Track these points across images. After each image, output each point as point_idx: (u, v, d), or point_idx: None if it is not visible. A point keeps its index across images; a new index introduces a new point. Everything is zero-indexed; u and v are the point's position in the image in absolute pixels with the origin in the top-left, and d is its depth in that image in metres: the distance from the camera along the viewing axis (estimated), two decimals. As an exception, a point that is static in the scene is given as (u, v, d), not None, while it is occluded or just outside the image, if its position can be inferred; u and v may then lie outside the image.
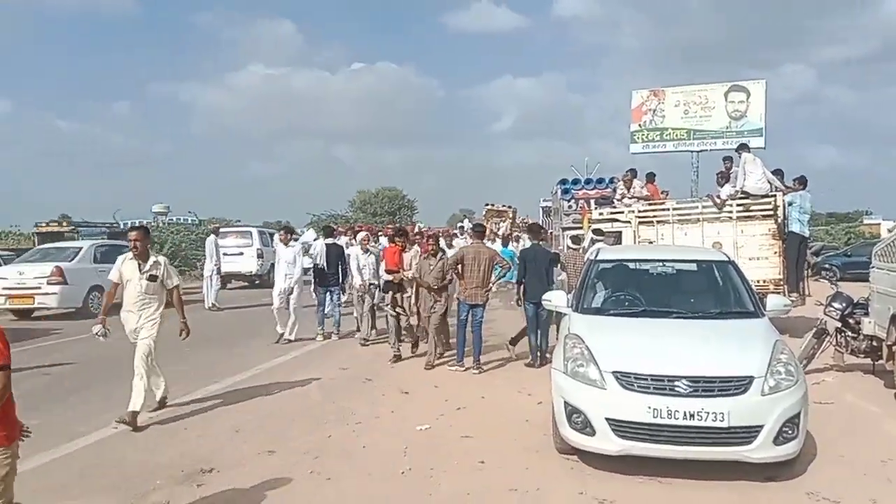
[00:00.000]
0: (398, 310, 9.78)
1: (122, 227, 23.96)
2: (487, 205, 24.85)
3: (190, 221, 35.09)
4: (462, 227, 22.84)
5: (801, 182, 11.58)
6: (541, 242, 10.04)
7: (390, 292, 9.89)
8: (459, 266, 9.02)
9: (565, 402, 5.22)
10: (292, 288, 11.27)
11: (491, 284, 9.07)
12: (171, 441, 5.98)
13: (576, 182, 18.61)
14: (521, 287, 9.27)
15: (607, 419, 4.96)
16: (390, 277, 9.89)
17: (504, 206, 25.22)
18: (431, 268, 9.17)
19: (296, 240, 12.59)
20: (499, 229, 22.79)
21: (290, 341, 11.03)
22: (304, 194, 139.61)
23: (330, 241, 12.02)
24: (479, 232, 9.77)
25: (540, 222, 24.03)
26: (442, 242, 12.24)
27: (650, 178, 14.01)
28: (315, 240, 13.69)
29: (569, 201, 17.92)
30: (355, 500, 4.72)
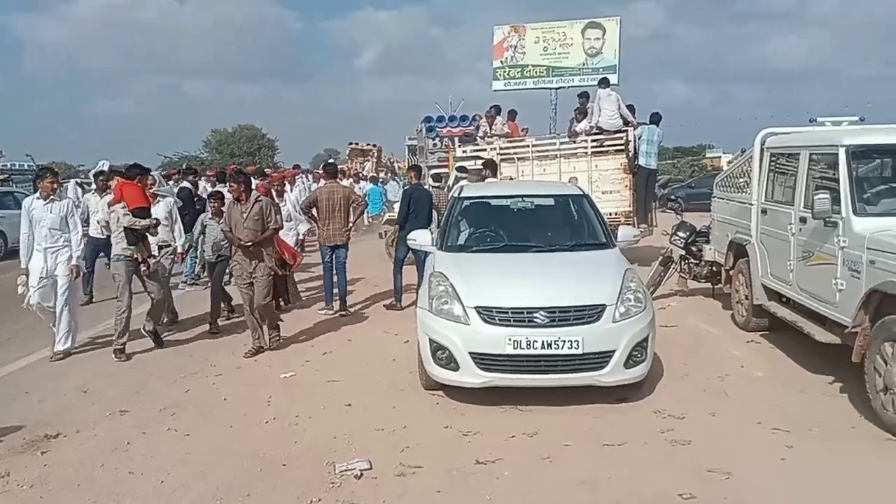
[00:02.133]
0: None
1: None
2: (351, 143, 24.44)
3: (27, 167, 32.05)
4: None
5: (656, 118, 12.16)
6: (421, 182, 9.94)
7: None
8: (314, 209, 8.80)
9: (430, 340, 5.28)
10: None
11: (351, 224, 8.93)
12: (10, 406, 5.52)
13: (440, 119, 18.60)
14: (401, 230, 9.05)
15: (471, 353, 5.06)
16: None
17: (369, 144, 24.89)
18: (244, 216, 6.93)
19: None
20: (363, 168, 22.51)
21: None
22: (153, 134, 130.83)
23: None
24: (330, 172, 9.44)
25: (406, 161, 23.99)
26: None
27: (511, 115, 14.22)
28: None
29: (434, 139, 17.91)
30: (216, 453, 4.55)
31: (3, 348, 7.35)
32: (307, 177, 18.01)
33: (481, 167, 11.51)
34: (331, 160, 29.09)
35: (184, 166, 16.32)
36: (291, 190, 13.72)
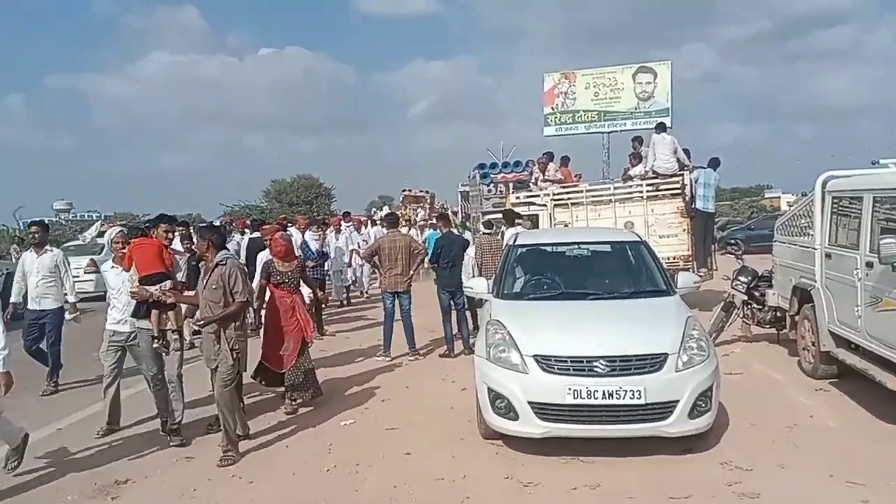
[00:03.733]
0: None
1: (22, 226, 22.61)
2: (405, 190, 24.78)
3: (94, 218, 33.53)
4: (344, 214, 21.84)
5: (714, 163, 12.09)
6: (452, 230, 10.15)
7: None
8: (377, 257, 8.99)
9: (488, 388, 5.26)
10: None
11: (412, 272, 9.06)
12: (83, 451, 5.71)
13: (493, 166, 18.78)
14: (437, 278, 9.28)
15: (529, 402, 5.03)
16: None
17: (422, 191, 25.22)
18: (204, 282, 5.55)
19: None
20: (416, 215, 22.78)
21: None
22: (216, 185, 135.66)
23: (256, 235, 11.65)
24: (391, 221, 9.80)
25: (459, 207, 24.19)
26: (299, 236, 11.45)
27: (564, 161, 14.29)
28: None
29: (488, 185, 18.06)
30: (279, 500, 4.62)
31: (78, 395, 7.58)
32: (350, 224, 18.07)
33: (535, 214, 11.60)
34: (385, 207, 29.54)
35: (250, 218, 16.68)
36: (337, 238, 14.05)
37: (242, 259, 11.37)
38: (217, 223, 13.63)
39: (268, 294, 6.98)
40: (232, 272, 5.44)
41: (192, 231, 9.12)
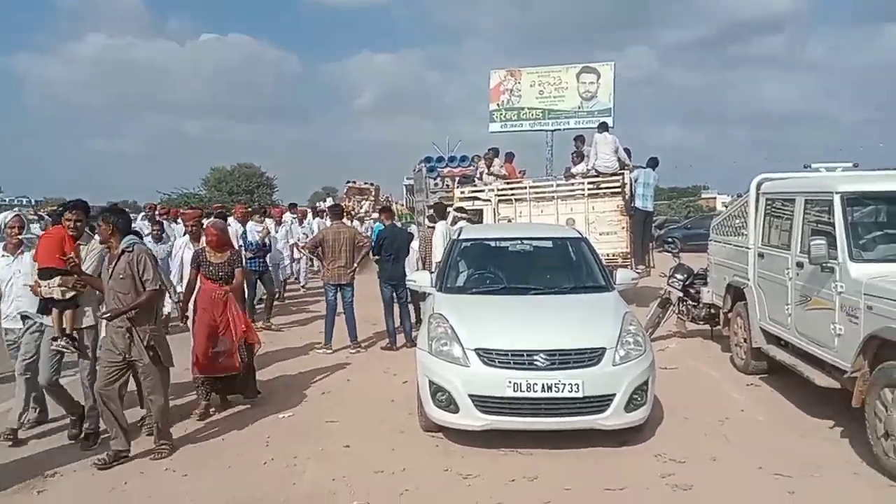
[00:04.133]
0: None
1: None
2: (349, 182, 24.54)
3: (24, 203, 32.25)
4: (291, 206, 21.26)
5: (653, 163, 12.35)
6: (395, 223, 10.13)
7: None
8: (320, 248, 8.89)
9: (430, 381, 5.27)
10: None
11: (355, 265, 8.98)
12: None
13: (440, 160, 18.77)
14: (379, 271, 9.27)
15: (470, 395, 5.05)
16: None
17: (367, 183, 25.02)
18: (110, 270, 5.08)
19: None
20: (361, 207, 22.61)
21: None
22: (153, 172, 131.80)
23: None
24: (336, 213, 9.77)
25: (404, 200, 24.13)
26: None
27: (509, 157, 14.40)
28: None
29: (435, 179, 18.03)
30: (214, 493, 4.52)
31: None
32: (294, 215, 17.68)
33: (480, 209, 11.64)
34: (328, 198, 29.22)
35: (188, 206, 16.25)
36: (276, 230, 13.74)
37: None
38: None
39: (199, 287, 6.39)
40: (140, 258, 5.03)
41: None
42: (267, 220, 12.92)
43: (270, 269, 11.31)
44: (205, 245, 6.52)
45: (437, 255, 8.97)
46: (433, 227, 10.13)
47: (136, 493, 4.54)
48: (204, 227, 6.93)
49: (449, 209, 10.44)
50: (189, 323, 6.53)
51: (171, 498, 4.47)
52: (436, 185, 17.52)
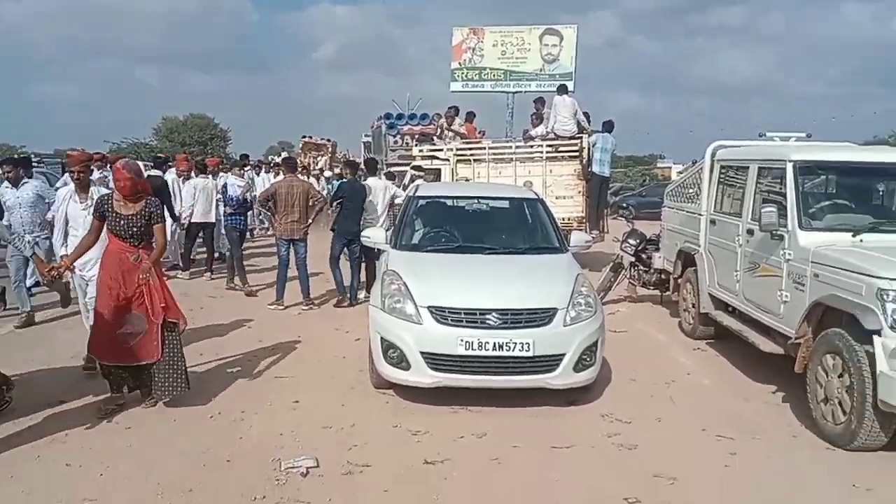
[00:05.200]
0: None
1: None
2: (304, 137, 24.04)
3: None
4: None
5: (609, 126, 12.33)
6: (357, 177, 9.94)
7: None
8: (272, 202, 8.70)
9: (382, 338, 5.23)
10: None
11: (310, 220, 8.83)
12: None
13: (400, 117, 18.51)
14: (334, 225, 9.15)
15: (422, 353, 5.04)
16: None
17: (323, 139, 24.55)
18: None
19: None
20: (317, 163, 22.24)
21: None
22: (101, 120, 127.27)
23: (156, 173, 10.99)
24: (290, 165, 9.57)
25: (361, 157, 23.78)
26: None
27: (469, 117, 14.25)
28: None
29: (394, 136, 17.80)
30: (158, 447, 4.43)
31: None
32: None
33: (438, 168, 11.53)
34: (283, 152, 28.65)
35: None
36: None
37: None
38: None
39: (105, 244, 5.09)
40: None
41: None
42: (248, 172, 12.50)
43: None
44: (112, 191, 5.18)
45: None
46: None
47: (77, 446, 4.41)
48: (112, 167, 5.51)
49: (406, 168, 10.31)
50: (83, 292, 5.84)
51: (113, 450, 4.35)
52: (395, 142, 17.31)
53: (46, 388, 5.42)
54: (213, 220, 10.97)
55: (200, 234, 11.00)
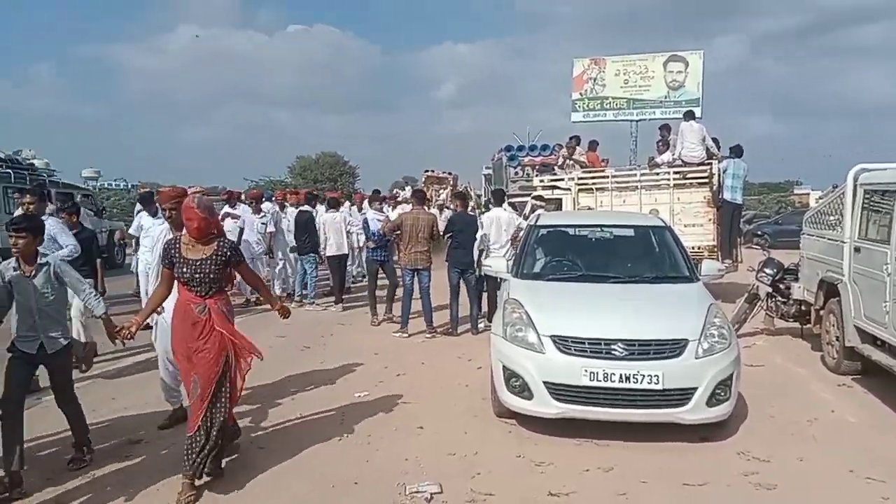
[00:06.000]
0: None
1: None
2: (427, 171, 24.59)
3: (121, 187, 33.98)
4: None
5: (737, 151, 11.83)
6: (468, 210, 10.07)
7: None
8: (398, 232, 8.97)
9: (504, 367, 5.21)
10: None
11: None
12: (99, 410, 5.74)
13: (521, 148, 18.59)
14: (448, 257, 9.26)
15: (545, 382, 4.97)
16: None
17: (445, 172, 25.01)
18: None
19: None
20: (439, 196, 22.65)
21: None
22: (241, 160, 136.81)
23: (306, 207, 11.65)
24: (419, 198, 9.76)
25: (482, 189, 24.03)
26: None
27: (592, 146, 14.12)
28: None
29: (515, 167, 17.85)
30: (288, 468, 4.61)
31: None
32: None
33: (559, 197, 11.46)
34: (407, 187, 29.39)
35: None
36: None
37: (291, 231, 11.47)
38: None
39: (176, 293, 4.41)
40: None
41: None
42: (386, 207, 12.97)
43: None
44: (181, 233, 4.51)
45: (491, 237, 9.16)
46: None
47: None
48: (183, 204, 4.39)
49: (527, 199, 10.31)
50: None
51: (247, 468, 4.58)
52: (516, 174, 17.34)
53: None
54: (346, 252, 11.45)
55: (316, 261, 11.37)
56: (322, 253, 11.18)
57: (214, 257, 4.26)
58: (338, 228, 11.17)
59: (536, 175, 13.19)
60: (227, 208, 11.73)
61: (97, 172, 41.49)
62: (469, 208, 10.42)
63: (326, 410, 5.80)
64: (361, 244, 12.36)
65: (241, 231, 10.93)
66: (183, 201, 4.43)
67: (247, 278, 4.74)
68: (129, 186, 33.36)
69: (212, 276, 4.24)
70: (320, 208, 12.28)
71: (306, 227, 11.14)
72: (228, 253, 4.32)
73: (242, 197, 13.61)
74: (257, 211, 11.86)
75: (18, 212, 7.13)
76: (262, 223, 11.62)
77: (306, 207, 11.69)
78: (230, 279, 4.54)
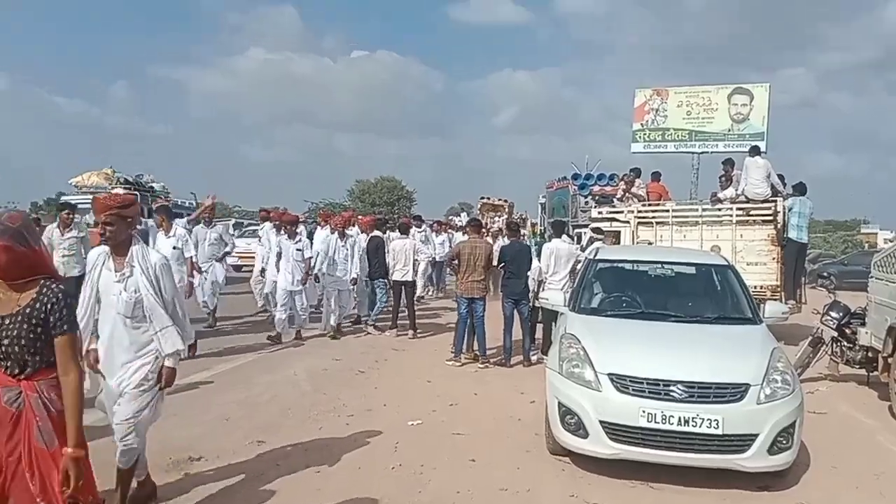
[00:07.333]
0: None
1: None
2: (483, 198, 24.63)
3: (188, 204, 34.98)
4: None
5: (800, 189, 11.57)
6: (520, 239, 10.10)
7: None
8: (456, 261, 9.04)
9: (559, 403, 5.17)
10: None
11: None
12: (161, 427, 5.90)
13: (589, 177, 18.53)
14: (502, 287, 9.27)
15: (601, 422, 4.90)
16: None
17: (500, 199, 25.02)
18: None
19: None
20: (494, 224, 22.65)
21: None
22: (302, 182, 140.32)
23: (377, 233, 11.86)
24: (475, 227, 9.82)
25: (538, 218, 23.96)
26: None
27: (656, 177, 13.93)
28: None
29: (586, 197, 17.70)
30: (344, 492, 4.66)
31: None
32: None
33: (618, 230, 11.37)
34: (462, 213, 29.52)
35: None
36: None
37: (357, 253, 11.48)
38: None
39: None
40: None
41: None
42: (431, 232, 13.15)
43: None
44: None
45: (545, 268, 9.17)
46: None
47: (272, 484, 4.76)
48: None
49: (584, 230, 10.27)
50: None
51: (303, 492, 4.65)
52: (586, 203, 17.17)
53: (246, 425, 5.91)
54: (412, 279, 11.48)
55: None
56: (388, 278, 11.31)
57: (31, 311, 2.73)
58: (407, 255, 11.28)
59: (594, 206, 13.11)
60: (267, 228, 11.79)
61: (164, 188, 42.87)
62: (520, 236, 10.42)
63: (380, 436, 5.85)
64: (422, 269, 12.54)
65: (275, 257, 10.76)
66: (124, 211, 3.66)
67: (62, 363, 2.76)
68: (197, 203, 34.37)
69: (24, 341, 2.72)
70: (390, 234, 12.51)
71: (377, 253, 11.35)
72: (50, 305, 2.73)
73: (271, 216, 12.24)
74: (292, 235, 10.30)
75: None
76: (298, 249, 10.25)
77: (377, 233, 11.87)
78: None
